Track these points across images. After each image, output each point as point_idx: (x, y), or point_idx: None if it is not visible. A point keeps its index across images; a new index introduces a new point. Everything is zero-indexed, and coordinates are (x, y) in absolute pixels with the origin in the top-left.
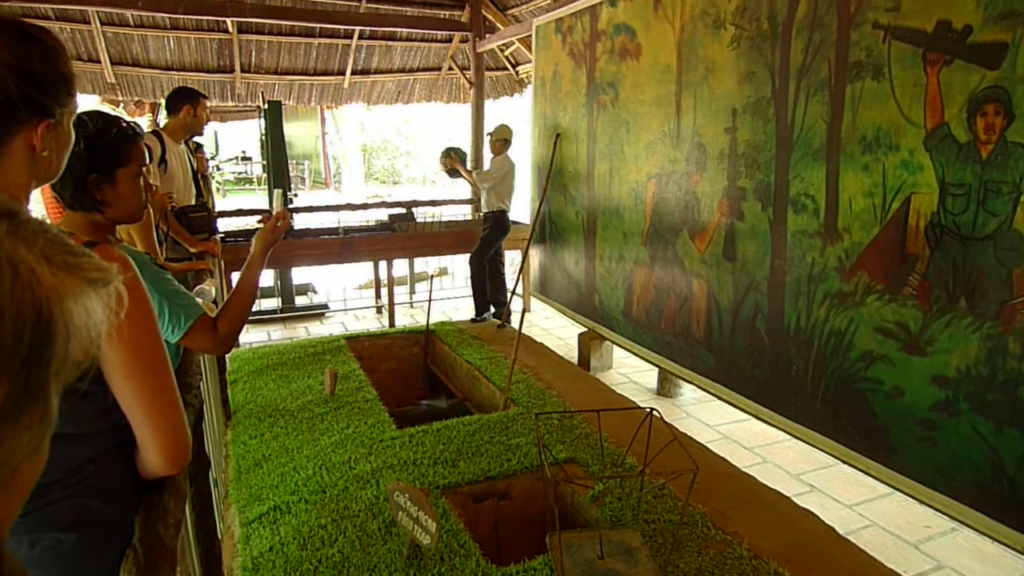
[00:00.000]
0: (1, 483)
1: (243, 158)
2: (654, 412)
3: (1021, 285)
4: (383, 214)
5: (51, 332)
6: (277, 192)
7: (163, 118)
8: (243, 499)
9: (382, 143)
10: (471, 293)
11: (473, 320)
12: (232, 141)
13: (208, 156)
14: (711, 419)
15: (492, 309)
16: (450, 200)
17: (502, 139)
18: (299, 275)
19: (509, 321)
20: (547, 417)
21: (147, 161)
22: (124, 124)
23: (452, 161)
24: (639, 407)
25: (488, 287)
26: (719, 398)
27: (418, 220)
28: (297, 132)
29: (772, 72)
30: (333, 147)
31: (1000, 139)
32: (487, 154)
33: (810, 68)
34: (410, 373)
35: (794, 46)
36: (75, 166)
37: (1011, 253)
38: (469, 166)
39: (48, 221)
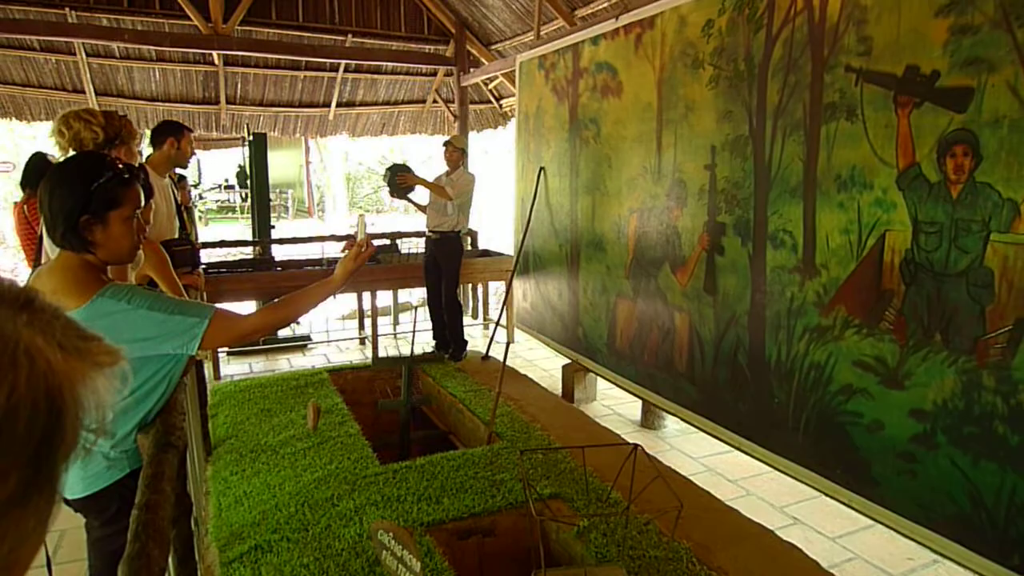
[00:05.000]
0: (3, 565)
1: (226, 186)
2: (638, 448)
3: (994, 321)
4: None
5: (62, 419)
6: (360, 217)
7: (146, 145)
8: (223, 538)
9: (366, 172)
10: (450, 335)
11: (456, 357)
12: (215, 169)
13: (191, 184)
14: (695, 451)
15: (451, 349)
16: None
17: (460, 148)
18: None
19: (505, 350)
20: (532, 452)
21: (142, 204)
22: (120, 166)
23: (411, 176)
24: (624, 443)
25: (450, 321)
26: (702, 430)
27: (402, 251)
28: (281, 161)
29: (749, 112)
30: (317, 176)
31: (969, 179)
32: (442, 166)
33: (786, 108)
34: (393, 406)
35: (770, 87)
36: (68, 207)
37: (983, 290)
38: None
39: (16, 239)
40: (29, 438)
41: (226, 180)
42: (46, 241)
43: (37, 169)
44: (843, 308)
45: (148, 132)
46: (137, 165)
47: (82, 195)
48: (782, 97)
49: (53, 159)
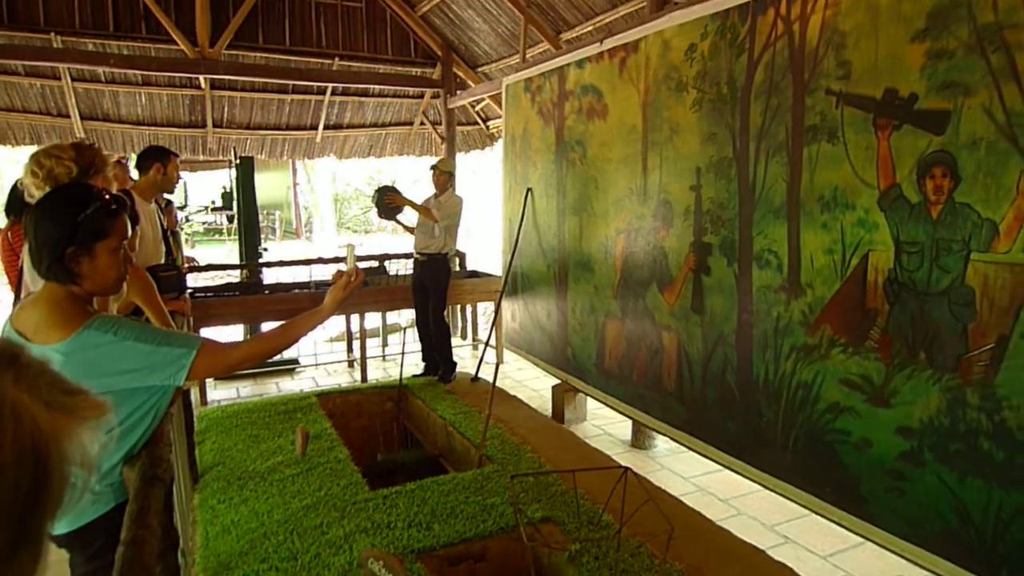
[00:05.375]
0: None
1: (213, 208)
2: (629, 471)
3: (976, 338)
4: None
5: (48, 476)
6: (349, 247)
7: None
8: (211, 568)
9: (354, 192)
10: (438, 358)
11: (445, 380)
12: (202, 190)
13: (177, 206)
14: (685, 471)
15: (440, 371)
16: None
17: (447, 171)
18: (269, 327)
19: (494, 371)
20: (522, 477)
21: (128, 234)
22: (107, 197)
23: (399, 198)
24: (614, 465)
25: (438, 343)
26: (692, 450)
27: (390, 273)
28: (268, 182)
29: (733, 134)
30: (304, 197)
31: (948, 200)
32: (430, 188)
33: (769, 131)
34: (383, 430)
35: (753, 109)
36: (53, 239)
37: (965, 308)
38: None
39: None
40: (15, 496)
41: (212, 202)
42: (26, 272)
43: (20, 197)
44: (829, 327)
45: (134, 156)
46: (117, 190)
47: (68, 226)
48: (765, 120)
49: (30, 200)
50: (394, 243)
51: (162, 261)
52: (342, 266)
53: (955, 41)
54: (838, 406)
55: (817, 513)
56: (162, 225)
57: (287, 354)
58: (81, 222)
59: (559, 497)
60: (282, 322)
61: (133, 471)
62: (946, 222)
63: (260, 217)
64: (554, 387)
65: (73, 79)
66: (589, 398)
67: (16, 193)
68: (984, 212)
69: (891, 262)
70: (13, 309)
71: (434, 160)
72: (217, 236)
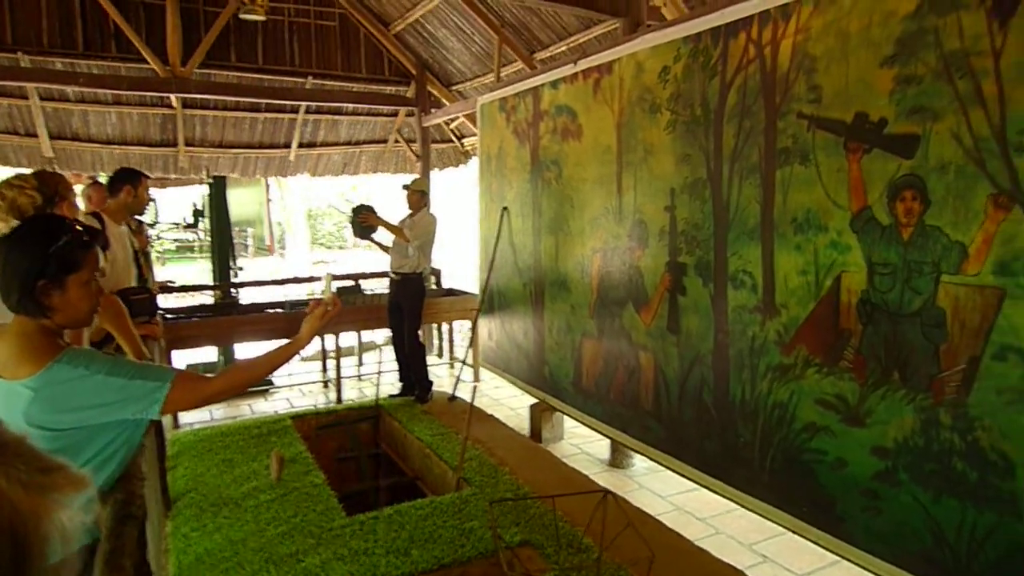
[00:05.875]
0: None
1: (186, 226)
2: (609, 495)
3: (948, 359)
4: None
5: (27, 557)
6: (326, 276)
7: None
8: None
9: (327, 208)
10: (414, 378)
11: (422, 400)
12: (172, 206)
13: (148, 223)
14: (663, 490)
15: (417, 392)
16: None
17: (420, 191)
18: (243, 348)
19: (472, 393)
20: (502, 503)
21: (100, 265)
22: (79, 229)
23: (372, 217)
24: (594, 490)
25: (412, 363)
26: (670, 469)
27: (366, 292)
28: (240, 199)
29: (707, 155)
30: (277, 213)
31: (919, 222)
32: (404, 209)
33: (742, 153)
34: (359, 452)
35: (726, 131)
36: (23, 271)
37: (936, 329)
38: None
39: None
40: None
41: (184, 219)
42: None
43: None
44: (804, 347)
45: (104, 176)
46: (89, 212)
47: (39, 259)
48: (738, 142)
49: None
50: (369, 259)
51: (133, 284)
52: (318, 291)
53: (923, 67)
54: (814, 426)
55: (794, 532)
56: (133, 247)
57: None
58: (52, 254)
59: (538, 520)
60: (257, 354)
61: (105, 509)
62: (917, 244)
63: (233, 234)
64: (532, 406)
65: (41, 98)
66: (567, 417)
67: None
68: (954, 235)
69: (864, 283)
70: None
71: (408, 178)
72: (188, 254)
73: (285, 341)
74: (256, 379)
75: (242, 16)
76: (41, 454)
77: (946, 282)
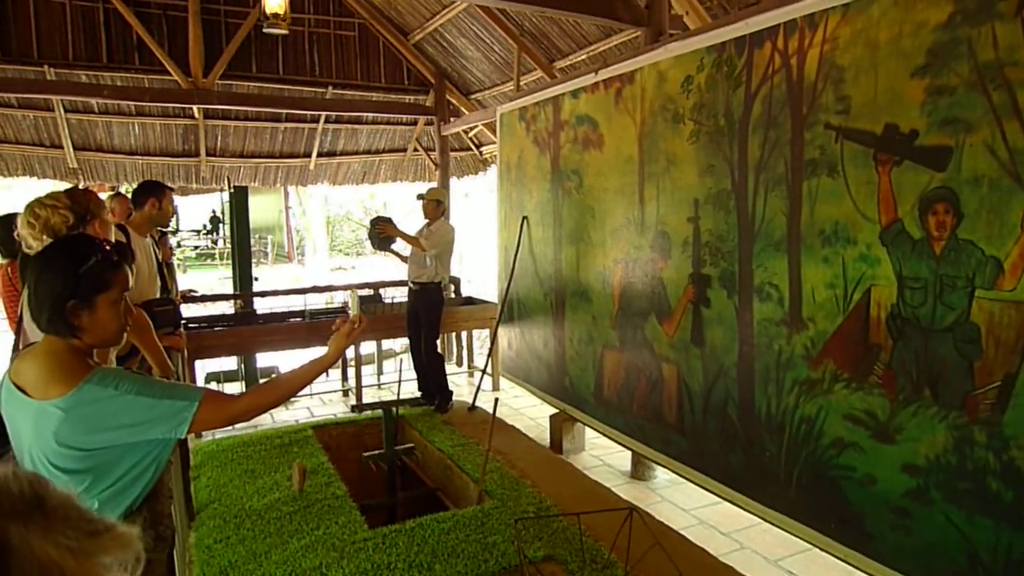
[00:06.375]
0: None
1: (207, 232)
2: (635, 513)
3: (982, 376)
4: (349, 294)
5: None
6: (352, 294)
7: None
8: None
9: (346, 215)
10: (433, 387)
11: (441, 410)
12: (193, 213)
13: (170, 231)
14: (686, 503)
15: (437, 401)
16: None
17: (435, 200)
18: (264, 357)
19: (493, 405)
20: (527, 520)
21: (130, 286)
22: (108, 248)
23: (390, 228)
24: (619, 507)
25: (431, 373)
26: (693, 482)
27: (386, 301)
28: (260, 206)
29: (731, 166)
30: (296, 220)
31: (951, 236)
32: (420, 219)
33: (767, 164)
34: (380, 462)
35: (751, 142)
36: (54, 292)
37: (970, 345)
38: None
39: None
40: None
41: (205, 226)
42: (26, 321)
43: (8, 232)
44: (831, 362)
45: (126, 186)
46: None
47: (69, 279)
48: (763, 153)
49: (28, 251)
50: (388, 267)
51: (157, 295)
52: (337, 300)
53: (956, 78)
54: (842, 441)
55: (821, 549)
56: (157, 258)
57: None
58: (82, 275)
59: (561, 534)
60: (284, 372)
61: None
62: (949, 258)
63: (252, 241)
64: (552, 416)
65: (66, 110)
66: (587, 428)
67: (6, 230)
68: (988, 249)
69: (894, 297)
70: (12, 361)
71: (426, 187)
72: (209, 260)
73: (312, 358)
74: (284, 398)
75: (265, 31)
76: (89, 515)
77: (980, 297)
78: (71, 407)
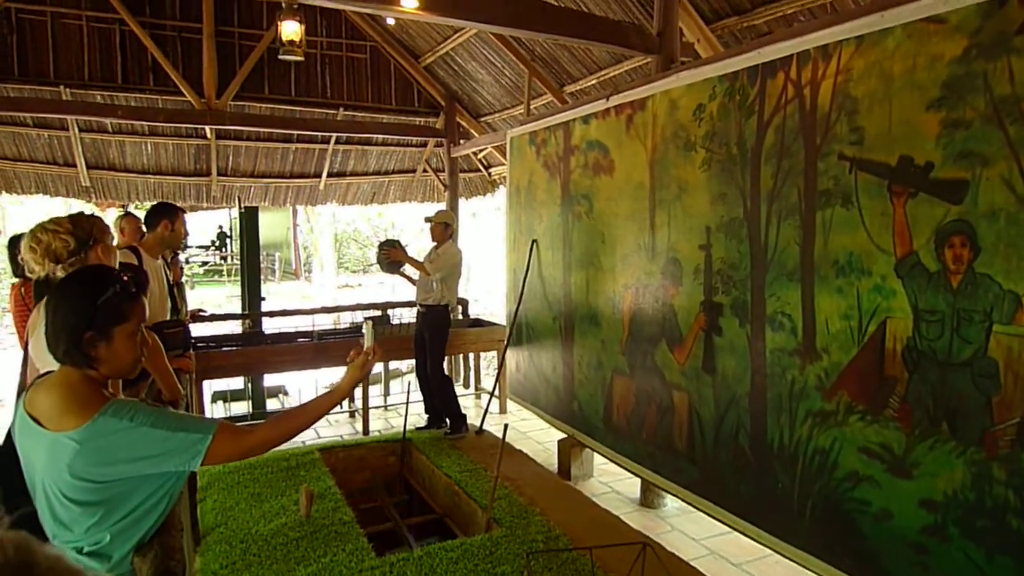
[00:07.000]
0: None
1: (216, 247)
2: (649, 547)
3: (1001, 412)
4: (357, 315)
5: None
6: (367, 324)
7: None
8: None
9: (353, 232)
10: (445, 412)
11: (452, 436)
12: (201, 229)
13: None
14: (696, 532)
15: (447, 422)
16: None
17: (443, 223)
18: (271, 376)
19: (503, 431)
20: (539, 554)
21: (146, 317)
22: (126, 279)
23: (396, 252)
24: (633, 541)
25: (440, 397)
26: (703, 512)
27: (393, 322)
28: (268, 222)
29: (744, 195)
30: (303, 236)
31: (968, 270)
32: (428, 242)
33: (780, 193)
34: (386, 484)
35: (764, 172)
36: (71, 323)
37: (988, 380)
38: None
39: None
40: None
41: (213, 242)
42: (32, 348)
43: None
44: (846, 393)
45: (136, 204)
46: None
47: (87, 311)
48: (776, 182)
49: (32, 274)
50: (394, 284)
51: (167, 317)
52: (345, 321)
53: (972, 111)
54: (857, 475)
55: None
56: (168, 280)
57: (288, 403)
58: (100, 306)
59: (571, 565)
60: (296, 405)
61: (144, 562)
62: (966, 292)
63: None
64: (560, 442)
65: (80, 129)
66: (596, 454)
67: (15, 249)
68: (1006, 284)
69: (910, 330)
70: (27, 391)
71: (433, 208)
72: (216, 277)
73: (325, 390)
74: (298, 431)
75: (281, 57)
76: (80, 573)
77: (998, 332)
78: (86, 439)
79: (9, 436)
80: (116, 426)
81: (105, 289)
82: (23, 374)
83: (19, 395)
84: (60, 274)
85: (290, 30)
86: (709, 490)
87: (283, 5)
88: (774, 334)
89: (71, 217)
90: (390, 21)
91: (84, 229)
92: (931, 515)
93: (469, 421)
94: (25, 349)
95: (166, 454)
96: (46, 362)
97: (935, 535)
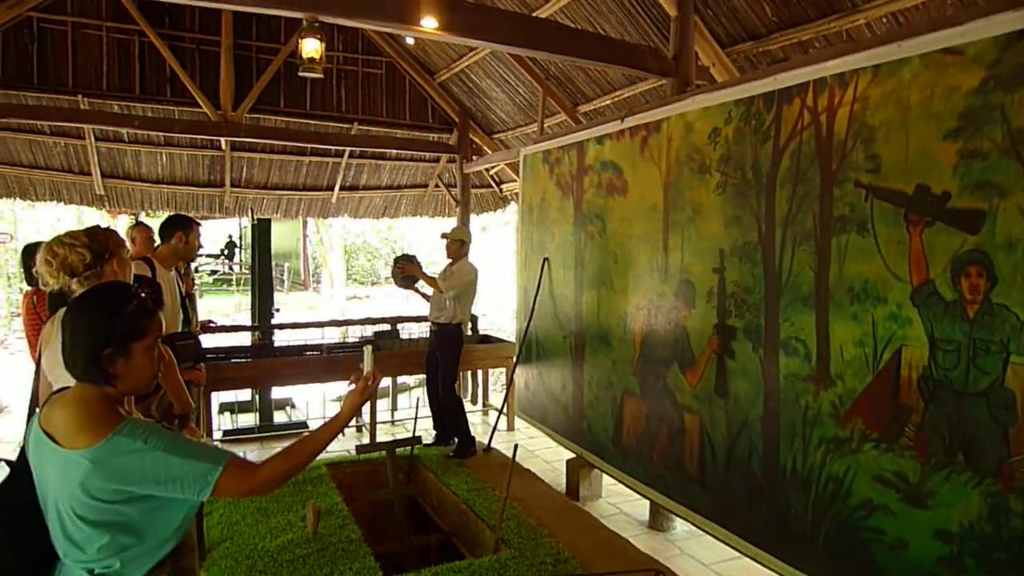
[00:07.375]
0: None
1: (225, 256)
2: (661, 574)
3: (1018, 443)
4: (367, 329)
5: None
6: (367, 349)
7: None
8: None
9: (363, 244)
10: (454, 433)
11: (461, 455)
12: (210, 237)
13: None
14: (706, 556)
15: (455, 441)
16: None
17: (459, 240)
18: (278, 389)
19: (513, 452)
20: (543, 565)
21: (163, 331)
22: (144, 295)
23: (412, 268)
24: (645, 567)
25: (450, 417)
26: (713, 536)
27: (403, 337)
28: (279, 233)
29: (758, 219)
30: (313, 247)
31: (985, 300)
32: (443, 258)
33: (795, 218)
34: (393, 501)
35: (779, 196)
36: (90, 340)
37: (1005, 411)
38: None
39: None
40: None
41: (222, 251)
42: (44, 363)
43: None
44: (860, 421)
45: (147, 214)
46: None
47: (105, 327)
48: (791, 207)
49: (47, 287)
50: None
51: (179, 329)
52: (350, 336)
53: (989, 142)
54: (871, 503)
55: None
56: (180, 292)
57: (295, 416)
58: (118, 322)
59: None
60: (298, 440)
61: None
62: (983, 322)
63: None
64: (569, 462)
65: (97, 138)
66: (605, 475)
67: (31, 260)
68: (1023, 315)
69: (925, 359)
70: (42, 407)
71: (447, 223)
72: (225, 286)
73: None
74: (304, 465)
75: (301, 74)
76: None
77: (1016, 363)
78: (99, 458)
79: (23, 452)
80: (130, 446)
81: (124, 305)
82: (35, 390)
83: (31, 410)
84: (75, 287)
85: (311, 47)
86: (720, 515)
87: (304, 23)
88: (788, 359)
89: (87, 231)
90: (409, 40)
91: (100, 243)
92: (947, 546)
93: (476, 437)
94: (37, 363)
95: (176, 481)
96: (60, 377)
97: (951, 566)
